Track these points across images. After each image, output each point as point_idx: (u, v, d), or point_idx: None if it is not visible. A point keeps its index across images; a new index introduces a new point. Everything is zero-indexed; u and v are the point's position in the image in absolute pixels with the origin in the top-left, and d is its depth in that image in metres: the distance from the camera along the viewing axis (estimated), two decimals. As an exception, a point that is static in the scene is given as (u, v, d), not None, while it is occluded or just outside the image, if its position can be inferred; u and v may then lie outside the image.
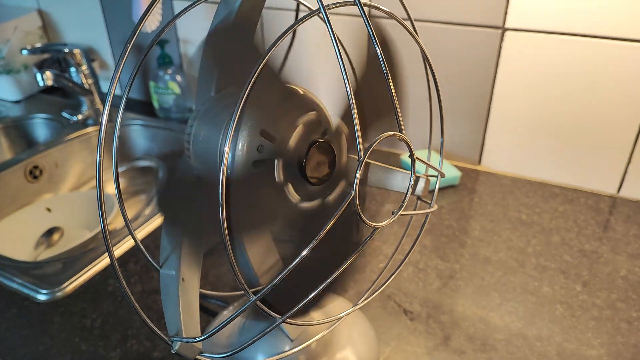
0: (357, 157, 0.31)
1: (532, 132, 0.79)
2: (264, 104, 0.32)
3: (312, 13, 0.30)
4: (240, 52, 0.34)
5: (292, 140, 0.34)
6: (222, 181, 0.28)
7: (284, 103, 0.33)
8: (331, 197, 0.37)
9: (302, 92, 0.36)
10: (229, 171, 0.33)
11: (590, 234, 0.70)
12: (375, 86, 0.37)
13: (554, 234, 0.70)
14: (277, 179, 0.34)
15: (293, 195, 0.34)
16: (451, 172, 0.80)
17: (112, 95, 0.28)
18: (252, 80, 0.29)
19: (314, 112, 0.34)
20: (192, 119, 0.37)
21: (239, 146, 0.33)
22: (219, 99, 0.38)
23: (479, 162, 0.86)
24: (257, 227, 0.35)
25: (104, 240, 0.29)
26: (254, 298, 0.31)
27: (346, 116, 0.37)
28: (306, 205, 0.35)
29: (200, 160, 0.36)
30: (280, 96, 0.33)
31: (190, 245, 0.37)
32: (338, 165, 0.36)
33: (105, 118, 0.29)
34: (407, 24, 0.37)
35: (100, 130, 0.29)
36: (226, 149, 0.29)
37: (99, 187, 0.28)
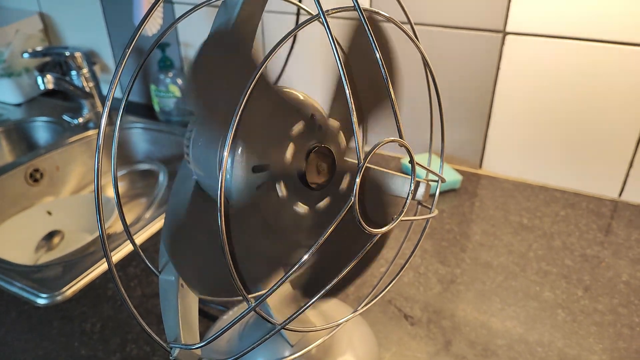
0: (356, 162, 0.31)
1: (533, 136, 0.79)
2: (250, 130, 0.32)
3: (312, 18, 0.30)
4: (231, 69, 0.33)
5: (288, 157, 0.33)
6: (220, 186, 0.28)
7: (270, 122, 0.33)
8: (343, 186, 0.37)
9: (285, 97, 0.35)
10: (227, 176, 0.33)
11: (591, 239, 0.69)
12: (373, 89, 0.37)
13: (556, 238, 0.70)
14: (280, 194, 0.33)
15: (301, 206, 0.34)
16: (452, 176, 0.80)
17: (110, 100, 0.28)
18: (249, 89, 0.29)
19: (301, 121, 0.34)
20: (192, 123, 0.37)
21: (238, 151, 0.33)
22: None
23: (480, 165, 0.86)
24: (272, 256, 0.35)
25: (102, 246, 0.29)
26: (254, 304, 0.31)
27: (344, 119, 0.37)
28: (319, 206, 0.35)
29: (200, 165, 0.36)
30: (265, 116, 0.33)
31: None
32: (338, 165, 0.36)
33: (104, 122, 0.29)
34: (407, 28, 0.37)
35: (99, 134, 0.28)
36: (225, 153, 0.29)
37: (97, 194, 0.28)
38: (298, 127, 0.33)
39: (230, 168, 0.33)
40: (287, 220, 0.34)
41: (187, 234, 0.34)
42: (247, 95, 0.29)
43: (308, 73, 0.85)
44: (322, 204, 0.36)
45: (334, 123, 0.36)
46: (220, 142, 0.34)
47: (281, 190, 0.33)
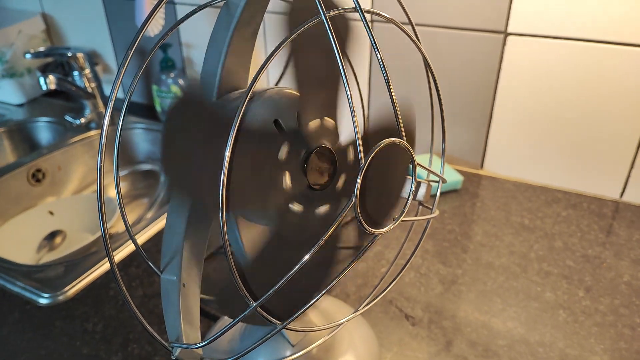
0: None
1: (535, 137, 0.79)
2: (241, 196, 0.32)
3: (314, 19, 0.30)
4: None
5: (287, 185, 0.33)
6: (222, 189, 0.28)
7: (256, 172, 0.33)
8: (320, 210, 0.37)
9: (249, 133, 0.35)
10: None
11: (593, 239, 0.69)
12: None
13: (557, 239, 0.70)
14: (279, 156, 0.33)
15: (287, 181, 0.34)
16: (453, 177, 0.80)
17: (113, 101, 0.28)
18: (257, 78, 0.29)
19: (285, 142, 0.34)
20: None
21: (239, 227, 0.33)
22: (221, 103, 0.38)
23: (482, 166, 0.86)
24: (250, 203, 0.35)
25: (104, 245, 0.29)
26: (255, 304, 0.31)
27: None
28: (292, 206, 0.35)
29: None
30: (249, 168, 0.32)
31: (191, 250, 0.37)
32: (335, 181, 0.36)
33: (106, 122, 0.29)
34: (409, 29, 0.37)
35: (101, 134, 0.29)
36: (227, 153, 0.29)
37: (100, 193, 0.28)
38: (284, 151, 0.33)
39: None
40: (270, 178, 0.33)
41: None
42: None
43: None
44: (340, 183, 0.36)
45: (313, 123, 0.35)
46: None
47: (295, 207, 0.34)
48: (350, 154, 0.36)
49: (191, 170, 0.31)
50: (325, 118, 0.36)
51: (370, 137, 0.36)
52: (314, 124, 0.35)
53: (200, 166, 0.31)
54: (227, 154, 0.29)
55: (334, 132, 0.36)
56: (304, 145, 0.34)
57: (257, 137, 0.32)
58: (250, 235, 0.38)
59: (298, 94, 0.36)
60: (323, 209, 0.35)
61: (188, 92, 0.31)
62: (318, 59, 0.33)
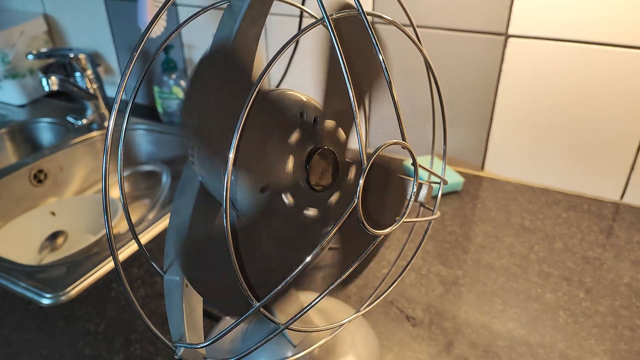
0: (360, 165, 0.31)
1: (535, 138, 0.79)
2: (248, 155, 0.32)
3: (316, 22, 0.30)
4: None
5: (289, 169, 0.34)
6: (226, 189, 0.28)
7: (267, 141, 0.33)
8: (349, 178, 0.37)
9: (280, 106, 0.35)
10: (233, 193, 0.33)
11: (593, 241, 0.70)
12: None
13: (557, 240, 0.70)
14: (287, 202, 0.34)
15: (289, 167, 0.34)
16: (454, 178, 0.80)
17: (118, 103, 0.29)
18: (251, 98, 0.29)
19: (297, 129, 0.34)
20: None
21: (240, 178, 0.33)
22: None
23: (482, 168, 0.86)
24: (252, 165, 0.35)
25: (109, 245, 0.29)
26: (257, 305, 0.31)
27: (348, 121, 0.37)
28: (330, 201, 0.35)
29: (204, 167, 0.36)
30: (261, 135, 0.33)
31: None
32: (341, 166, 0.36)
33: (111, 124, 0.29)
34: (410, 31, 0.38)
35: (106, 136, 0.29)
36: (231, 155, 0.29)
37: (105, 192, 0.28)
38: (295, 136, 0.33)
39: (235, 185, 0.33)
40: (300, 225, 0.34)
41: (196, 241, 0.34)
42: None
43: (309, 74, 0.86)
44: (333, 198, 0.36)
45: (329, 123, 0.36)
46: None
47: (287, 198, 0.34)
48: (351, 174, 0.37)
49: (209, 121, 0.31)
50: (340, 129, 0.36)
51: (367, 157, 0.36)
52: (329, 123, 0.35)
53: (218, 118, 0.31)
54: (231, 155, 0.29)
55: (343, 147, 0.37)
56: (313, 139, 0.34)
57: (275, 113, 0.33)
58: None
59: (303, 96, 0.36)
60: (312, 211, 0.35)
61: (218, 47, 0.31)
62: (358, 66, 0.34)
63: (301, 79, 0.88)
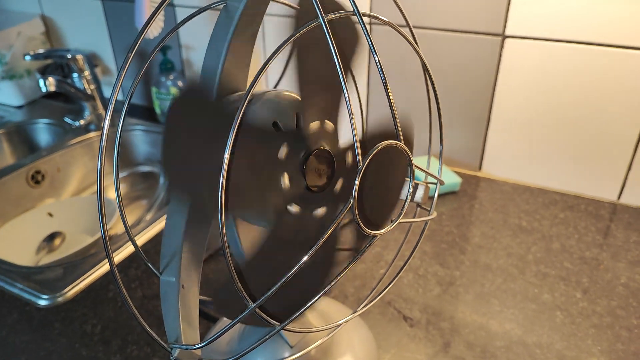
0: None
1: (533, 139, 0.80)
2: (240, 198, 0.32)
3: (311, 23, 0.30)
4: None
5: (286, 185, 0.34)
6: (221, 190, 0.28)
7: (255, 173, 0.33)
8: (318, 212, 0.37)
9: (253, 131, 0.35)
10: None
11: (590, 241, 0.70)
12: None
13: (554, 240, 0.70)
14: (279, 155, 0.33)
15: (285, 181, 0.34)
16: (451, 179, 0.80)
17: (113, 104, 0.29)
18: (256, 80, 0.29)
19: (284, 143, 0.34)
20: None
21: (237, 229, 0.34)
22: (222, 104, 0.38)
23: (480, 168, 0.86)
24: (248, 203, 0.35)
25: (105, 248, 0.29)
26: (253, 305, 0.31)
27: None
28: (290, 207, 0.35)
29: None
30: (248, 169, 0.32)
31: (190, 251, 0.37)
32: (333, 184, 0.36)
33: (107, 124, 0.29)
34: (406, 32, 0.38)
35: (101, 136, 0.29)
36: (226, 155, 0.29)
37: (100, 195, 0.28)
38: (284, 150, 0.33)
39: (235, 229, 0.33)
40: (270, 179, 0.34)
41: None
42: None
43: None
44: (294, 208, 0.36)
45: (314, 125, 0.36)
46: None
47: (282, 153, 0.34)
48: (349, 158, 0.37)
49: (191, 170, 0.31)
50: (326, 121, 0.36)
51: (368, 141, 0.36)
52: (314, 125, 0.35)
53: (201, 166, 0.31)
54: (227, 155, 0.29)
55: (334, 136, 0.37)
56: (303, 146, 0.34)
57: (256, 137, 0.33)
58: (249, 237, 0.38)
59: (298, 95, 0.36)
60: (320, 211, 0.36)
61: (189, 90, 0.31)
62: (322, 62, 0.33)
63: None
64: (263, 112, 0.34)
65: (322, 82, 0.35)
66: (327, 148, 0.35)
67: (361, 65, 0.86)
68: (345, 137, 0.37)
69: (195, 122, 0.31)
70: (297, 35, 0.31)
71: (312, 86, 0.34)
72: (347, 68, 0.38)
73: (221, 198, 0.29)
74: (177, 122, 0.30)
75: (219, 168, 0.28)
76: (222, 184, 0.29)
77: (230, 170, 0.30)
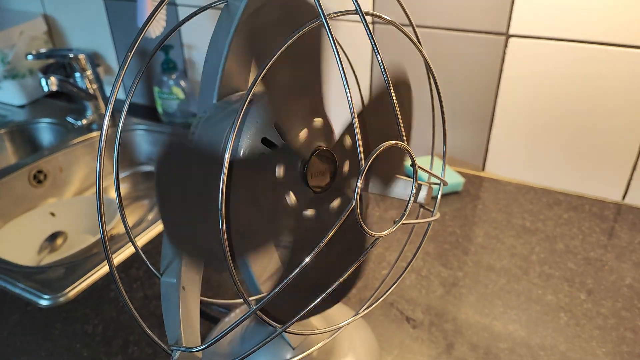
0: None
1: (536, 139, 0.79)
2: (283, 93, 0.32)
3: (314, 22, 0.30)
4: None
5: (301, 138, 0.34)
6: (222, 190, 0.28)
7: (299, 99, 0.33)
8: (333, 205, 0.37)
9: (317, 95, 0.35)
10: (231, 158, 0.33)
11: (594, 242, 0.69)
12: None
13: (558, 241, 0.70)
14: (277, 174, 0.33)
15: (292, 197, 0.34)
16: (454, 179, 0.80)
17: (112, 103, 0.28)
18: (257, 79, 0.29)
19: (321, 119, 0.34)
20: (194, 125, 0.37)
21: (240, 153, 0.33)
22: (221, 105, 0.38)
23: (483, 168, 0.86)
24: (255, 230, 0.35)
25: (104, 250, 0.29)
26: (254, 308, 0.31)
27: (348, 126, 0.37)
28: (305, 212, 0.35)
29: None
30: (298, 90, 0.33)
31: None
32: (339, 174, 0.36)
33: (106, 123, 0.29)
34: (410, 31, 0.37)
35: (100, 136, 0.28)
36: (227, 155, 0.29)
37: (99, 195, 0.28)
38: (318, 122, 0.33)
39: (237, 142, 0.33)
40: (275, 204, 0.34)
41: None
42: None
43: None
44: (310, 211, 0.36)
45: (303, 134, 0.36)
46: (223, 140, 0.34)
47: (279, 172, 0.34)
48: (347, 141, 0.36)
49: (195, 225, 0.31)
50: (314, 120, 0.36)
51: (368, 109, 0.36)
52: (303, 134, 0.34)
53: (203, 219, 0.31)
54: (227, 155, 0.29)
55: (327, 128, 0.36)
56: (297, 157, 0.34)
57: (250, 169, 0.33)
58: (261, 265, 0.38)
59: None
60: (336, 202, 0.35)
61: (171, 143, 0.31)
62: (287, 68, 0.33)
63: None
64: (250, 135, 0.34)
65: (294, 88, 0.34)
66: (323, 145, 0.35)
67: (364, 65, 0.86)
68: (340, 110, 0.36)
69: (185, 174, 0.31)
70: (298, 35, 0.30)
71: (286, 98, 0.34)
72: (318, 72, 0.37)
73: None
74: (167, 177, 0.30)
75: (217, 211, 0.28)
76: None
77: (231, 213, 0.30)
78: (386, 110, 0.32)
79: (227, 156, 0.29)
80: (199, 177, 0.31)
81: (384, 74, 0.31)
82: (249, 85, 0.30)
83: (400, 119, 0.32)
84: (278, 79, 0.32)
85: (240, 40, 0.36)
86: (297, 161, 0.34)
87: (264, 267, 0.38)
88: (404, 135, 0.32)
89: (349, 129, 0.36)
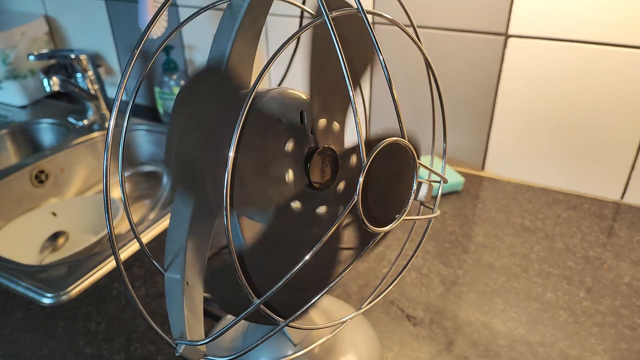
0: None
1: (536, 138, 0.80)
2: (244, 193, 0.32)
3: (316, 20, 0.31)
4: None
5: (290, 180, 0.34)
6: (227, 187, 0.28)
7: (262, 167, 0.33)
8: (351, 163, 0.37)
9: (267, 114, 0.35)
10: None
11: (593, 240, 0.70)
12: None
13: (558, 240, 0.70)
14: (286, 147, 0.34)
15: (290, 175, 0.34)
16: (454, 178, 0.80)
17: (118, 102, 0.29)
18: (252, 93, 0.29)
19: (291, 138, 0.34)
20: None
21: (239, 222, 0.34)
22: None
23: (482, 168, 0.86)
24: (253, 200, 0.35)
25: (111, 244, 0.29)
26: (258, 302, 0.31)
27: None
28: (338, 190, 0.36)
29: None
30: (256, 163, 0.33)
31: (194, 248, 0.37)
32: (341, 172, 0.36)
33: (112, 123, 0.29)
34: (410, 31, 0.38)
35: (107, 135, 0.29)
36: (231, 154, 0.30)
37: (106, 192, 0.29)
38: (290, 145, 0.34)
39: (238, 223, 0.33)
40: (276, 174, 0.34)
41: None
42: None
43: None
44: (340, 186, 0.36)
45: (322, 121, 0.36)
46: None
47: (288, 146, 0.34)
48: (353, 159, 0.37)
49: (196, 165, 0.31)
50: (334, 122, 0.36)
51: (372, 141, 0.36)
52: (322, 122, 0.35)
53: (205, 162, 0.31)
54: (231, 154, 0.29)
55: (340, 137, 0.37)
56: (309, 142, 0.34)
57: (263, 129, 0.33)
58: (253, 233, 0.38)
59: (302, 94, 0.36)
60: (322, 209, 0.36)
61: (196, 78, 0.31)
62: (339, 65, 0.33)
63: (302, 78, 0.88)
64: (268, 108, 0.34)
65: (334, 83, 0.35)
66: (332, 147, 0.36)
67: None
68: (350, 140, 0.37)
69: (202, 108, 0.31)
70: (300, 33, 0.31)
71: (324, 85, 0.35)
72: (357, 83, 0.38)
73: (226, 199, 0.29)
74: (183, 112, 0.30)
75: (224, 166, 0.28)
76: (227, 183, 0.29)
77: (235, 168, 0.30)
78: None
79: (231, 154, 0.30)
80: (212, 121, 0.31)
81: (386, 73, 0.31)
82: (252, 83, 0.31)
83: (401, 118, 0.33)
84: (327, 69, 0.32)
85: (243, 39, 0.37)
86: (307, 147, 0.34)
87: (254, 236, 0.38)
88: (405, 132, 0.33)
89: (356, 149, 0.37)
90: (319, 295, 0.34)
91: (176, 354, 0.33)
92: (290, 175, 0.34)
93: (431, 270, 0.65)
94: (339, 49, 0.29)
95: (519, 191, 0.81)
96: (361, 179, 0.30)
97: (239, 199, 0.31)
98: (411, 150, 0.33)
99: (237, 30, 0.36)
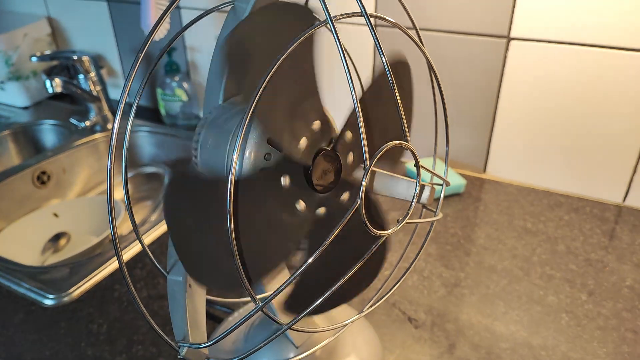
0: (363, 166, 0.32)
1: (538, 141, 0.79)
2: (273, 110, 0.32)
3: (319, 24, 0.31)
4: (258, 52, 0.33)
5: (299, 150, 0.34)
6: (230, 188, 0.28)
7: (293, 110, 0.33)
8: (343, 197, 0.37)
9: (311, 98, 0.35)
10: (236, 177, 0.33)
11: (595, 243, 0.70)
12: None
13: (560, 242, 0.70)
14: (282, 184, 0.34)
15: (300, 204, 0.35)
16: (456, 180, 0.80)
17: (122, 106, 0.29)
18: (260, 89, 0.29)
19: (319, 121, 0.34)
20: (200, 126, 0.38)
21: (247, 154, 0.34)
22: (227, 107, 0.38)
23: (484, 170, 0.86)
24: (265, 240, 0.36)
25: (114, 246, 0.29)
26: (261, 305, 0.31)
27: (353, 125, 0.37)
28: (314, 213, 0.36)
29: (208, 168, 0.36)
30: (290, 102, 0.33)
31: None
32: (343, 173, 0.36)
33: (116, 125, 0.29)
34: (413, 33, 0.38)
35: (111, 137, 0.29)
36: (234, 156, 0.30)
37: (109, 193, 0.29)
38: (316, 125, 0.34)
39: (244, 144, 0.33)
40: (287, 215, 0.34)
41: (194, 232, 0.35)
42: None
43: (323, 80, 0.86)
44: (321, 210, 0.36)
45: (348, 135, 0.36)
46: (230, 142, 0.34)
47: (285, 181, 0.34)
48: (348, 135, 0.36)
49: (212, 257, 0.32)
50: (313, 123, 0.36)
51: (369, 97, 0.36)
52: (303, 142, 0.35)
53: (217, 243, 0.32)
54: (234, 156, 0.29)
55: (326, 127, 0.36)
56: (300, 166, 0.34)
57: (256, 192, 0.33)
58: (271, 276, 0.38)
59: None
60: (345, 196, 0.36)
61: (175, 175, 0.32)
62: (279, 79, 0.33)
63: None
64: (256, 137, 0.34)
65: (281, 103, 0.34)
66: (325, 146, 0.35)
67: (367, 66, 0.86)
68: (336, 100, 0.36)
69: (192, 204, 0.32)
70: (301, 39, 0.31)
71: (281, 111, 0.34)
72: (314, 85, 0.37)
73: (230, 190, 0.29)
74: (176, 212, 0.31)
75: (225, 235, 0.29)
76: (230, 182, 0.29)
77: (246, 232, 0.30)
78: (387, 97, 0.33)
79: (234, 157, 0.30)
80: (206, 203, 0.32)
81: (388, 74, 0.31)
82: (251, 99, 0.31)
83: (404, 121, 0.33)
84: (262, 97, 0.32)
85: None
86: (301, 167, 0.34)
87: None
88: (408, 135, 0.33)
89: (351, 125, 0.36)
90: (321, 299, 0.34)
91: (179, 356, 0.33)
92: (303, 144, 0.34)
93: (433, 273, 0.65)
94: (342, 51, 0.29)
95: (521, 194, 0.81)
96: (364, 182, 0.30)
97: (265, 270, 0.31)
98: (414, 154, 0.33)
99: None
